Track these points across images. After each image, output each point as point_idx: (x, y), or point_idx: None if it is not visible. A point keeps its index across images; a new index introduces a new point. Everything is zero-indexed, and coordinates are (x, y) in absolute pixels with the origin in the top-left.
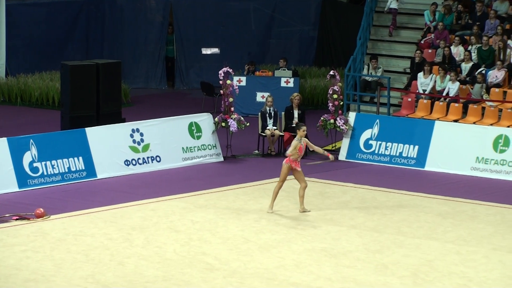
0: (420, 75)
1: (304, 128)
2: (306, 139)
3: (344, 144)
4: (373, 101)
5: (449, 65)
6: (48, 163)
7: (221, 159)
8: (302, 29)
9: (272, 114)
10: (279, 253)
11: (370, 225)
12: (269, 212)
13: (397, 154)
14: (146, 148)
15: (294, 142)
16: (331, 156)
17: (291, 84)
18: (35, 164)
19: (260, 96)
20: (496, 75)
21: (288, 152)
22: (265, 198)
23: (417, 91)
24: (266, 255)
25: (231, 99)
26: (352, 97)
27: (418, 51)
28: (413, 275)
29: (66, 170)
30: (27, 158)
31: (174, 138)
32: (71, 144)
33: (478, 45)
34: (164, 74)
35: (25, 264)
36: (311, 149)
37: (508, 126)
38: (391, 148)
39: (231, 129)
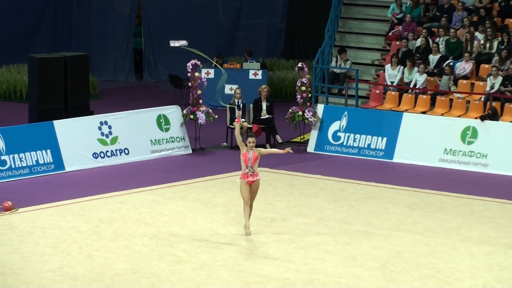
0: (388, 67)
1: (250, 140)
2: (260, 149)
3: (313, 136)
4: (341, 93)
5: (417, 57)
6: (16, 156)
7: (190, 151)
8: (270, 21)
9: (241, 106)
10: (248, 245)
11: (339, 217)
12: (247, 232)
13: (366, 146)
14: (114, 140)
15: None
16: (288, 150)
17: (259, 77)
18: (2, 157)
19: (229, 89)
20: (463, 67)
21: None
22: (233, 190)
23: (385, 83)
24: (235, 247)
25: (199, 92)
26: (320, 89)
27: (404, 40)
28: (382, 267)
29: (34, 163)
30: None
31: (143, 130)
32: (39, 137)
33: (446, 37)
34: (132, 67)
35: None
36: (265, 153)
37: (476, 118)
38: (359, 140)
39: (199, 121)
